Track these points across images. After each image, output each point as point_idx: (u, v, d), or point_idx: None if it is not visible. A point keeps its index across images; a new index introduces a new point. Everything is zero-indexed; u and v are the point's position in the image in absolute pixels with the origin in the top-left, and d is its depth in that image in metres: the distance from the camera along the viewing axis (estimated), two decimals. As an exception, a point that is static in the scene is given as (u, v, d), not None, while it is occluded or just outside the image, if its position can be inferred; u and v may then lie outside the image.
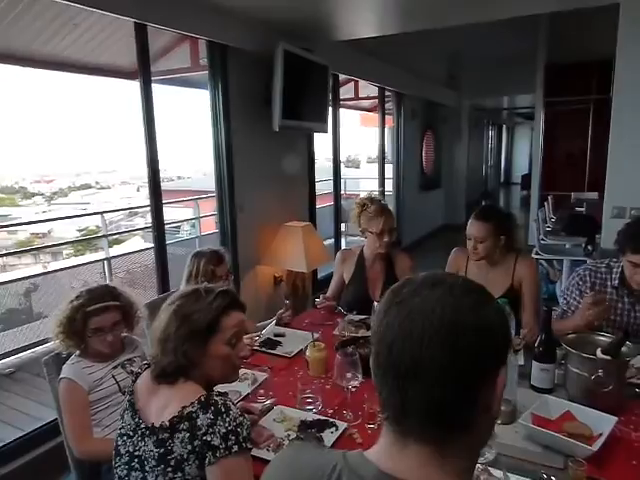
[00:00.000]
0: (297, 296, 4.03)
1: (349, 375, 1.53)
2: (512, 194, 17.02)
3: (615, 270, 2.01)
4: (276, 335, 2.17)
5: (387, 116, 6.98)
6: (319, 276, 4.90)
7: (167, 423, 1.10)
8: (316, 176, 4.87)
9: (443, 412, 0.62)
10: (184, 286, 2.15)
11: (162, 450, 1.09)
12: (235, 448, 1.06)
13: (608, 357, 1.50)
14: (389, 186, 7.19)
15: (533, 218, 5.24)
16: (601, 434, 1.37)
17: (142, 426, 1.16)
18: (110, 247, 5.49)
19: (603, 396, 1.50)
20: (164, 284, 3.10)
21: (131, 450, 1.16)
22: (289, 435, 1.40)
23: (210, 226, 5.85)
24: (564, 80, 7.22)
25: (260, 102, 3.67)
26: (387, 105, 6.96)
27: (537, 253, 4.36)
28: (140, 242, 7.67)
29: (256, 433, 1.37)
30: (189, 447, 1.07)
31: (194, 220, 6.46)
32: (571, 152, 7.68)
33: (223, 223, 3.73)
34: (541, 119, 7.56)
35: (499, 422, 1.48)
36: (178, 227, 7.48)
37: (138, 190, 20.22)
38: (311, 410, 1.55)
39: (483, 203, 2.34)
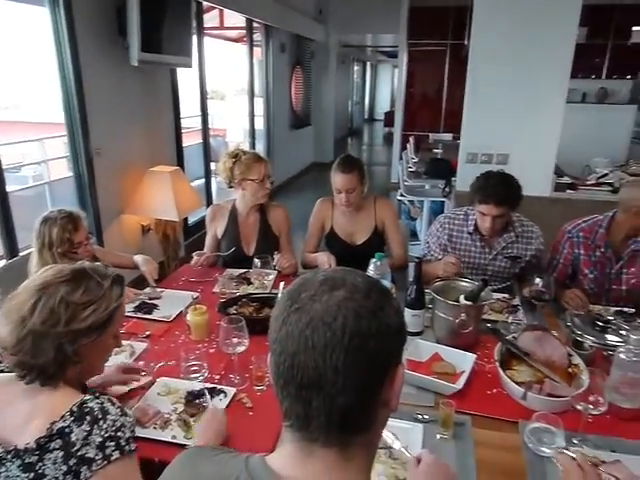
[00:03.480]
0: (168, 245, 3.83)
1: (235, 341, 1.51)
2: (375, 131, 17.76)
3: (471, 217, 2.23)
4: (151, 298, 2.04)
5: (256, 48, 6.67)
6: (190, 222, 4.70)
7: (34, 445, 0.93)
8: (182, 112, 4.53)
9: (348, 417, 0.62)
10: (37, 259, 1.88)
11: (32, 475, 0.93)
12: (116, 455, 0.95)
13: (469, 303, 1.67)
14: (258, 124, 7.01)
15: (398, 160, 5.53)
16: (463, 371, 1.55)
17: None
18: None
19: (464, 336, 1.69)
20: (11, 244, 2.71)
21: None
22: (176, 409, 1.36)
23: (61, 170, 5.19)
24: (426, 23, 7.50)
25: (113, 31, 3.23)
26: (255, 36, 6.63)
27: (402, 194, 4.66)
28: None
29: (140, 412, 1.31)
30: (64, 467, 0.92)
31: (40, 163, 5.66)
32: (429, 93, 8.14)
33: (78, 168, 3.34)
34: (404, 60, 7.83)
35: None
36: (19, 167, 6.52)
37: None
38: (197, 379, 1.51)
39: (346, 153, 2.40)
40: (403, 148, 6.94)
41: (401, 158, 5.66)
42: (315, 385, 0.60)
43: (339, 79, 11.79)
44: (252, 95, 6.61)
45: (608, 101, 7.51)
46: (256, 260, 2.15)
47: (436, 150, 6.09)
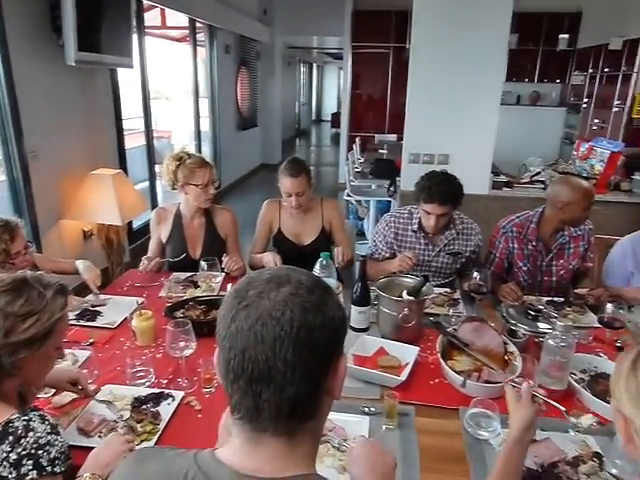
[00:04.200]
0: (112, 251, 3.72)
1: (182, 344, 1.50)
2: (323, 132, 17.90)
3: (415, 216, 2.31)
4: (94, 305, 1.99)
5: (200, 48, 6.59)
6: (135, 226, 4.58)
7: None
8: (124, 113, 4.41)
9: (296, 407, 0.65)
10: None
11: None
12: (32, 475, 0.88)
13: (412, 298, 1.74)
14: (204, 125, 6.92)
15: (344, 161, 5.61)
16: (407, 364, 1.61)
17: None
18: None
19: (408, 330, 1.76)
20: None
21: None
22: (122, 416, 1.34)
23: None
24: (369, 26, 7.63)
25: (46, 29, 3.11)
26: (199, 36, 6.54)
27: (348, 195, 4.74)
28: None
29: (85, 422, 1.28)
30: None
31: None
32: (375, 95, 8.30)
33: (11, 172, 3.18)
34: (349, 62, 7.95)
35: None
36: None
37: None
38: (144, 384, 1.49)
39: (294, 156, 2.45)
40: (350, 149, 7.05)
41: (347, 159, 5.74)
42: (265, 378, 0.63)
43: (286, 80, 11.82)
44: (197, 96, 6.51)
45: (540, 103, 7.95)
46: (203, 263, 2.14)
47: (382, 151, 6.23)
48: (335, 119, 14.82)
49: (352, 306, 1.85)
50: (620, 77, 5.86)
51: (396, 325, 1.76)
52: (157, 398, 1.42)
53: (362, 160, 5.97)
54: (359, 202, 5.23)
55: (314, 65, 18.68)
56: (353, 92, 8.18)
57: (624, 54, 5.73)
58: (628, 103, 5.58)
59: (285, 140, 11.94)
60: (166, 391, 1.46)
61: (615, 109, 5.87)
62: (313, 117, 19.63)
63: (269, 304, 0.65)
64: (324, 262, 1.86)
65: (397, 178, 4.04)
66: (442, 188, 2.14)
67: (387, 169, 4.75)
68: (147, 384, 1.50)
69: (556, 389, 1.50)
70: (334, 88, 19.48)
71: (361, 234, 5.09)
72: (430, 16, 3.44)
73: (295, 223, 2.49)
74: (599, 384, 1.53)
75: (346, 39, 7.81)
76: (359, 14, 7.62)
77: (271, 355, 0.63)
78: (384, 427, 1.37)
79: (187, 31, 6.33)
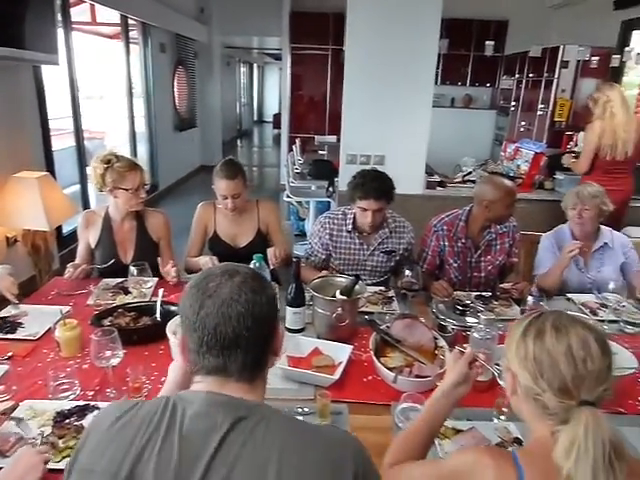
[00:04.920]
0: (39, 258, 3.52)
1: (109, 354, 1.45)
2: (265, 132, 17.82)
3: (349, 216, 2.35)
4: (14, 316, 1.87)
5: (134, 46, 6.37)
6: (65, 231, 4.36)
7: None
8: (52, 113, 4.18)
9: (255, 364, 0.89)
10: None
11: None
12: None
13: (345, 297, 1.76)
14: (140, 126, 6.70)
15: (284, 163, 5.61)
16: (341, 362, 1.63)
17: None
18: None
19: (342, 329, 1.78)
20: None
21: None
22: (43, 432, 1.27)
23: None
24: (307, 27, 7.67)
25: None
26: (133, 34, 6.33)
27: (288, 196, 4.73)
28: None
29: (0, 441, 1.20)
30: None
31: None
32: (315, 96, 8.36)
33: None
34: (288, 63, 7.95)
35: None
36: None
37: None
38: (68, 397, 1.42)
39: (229, 157, 2.41)
40: (290, 150, 7.06)
41: (287, 160, 5.74)
42: (234, 344, 0.86)
43: (225, 80, 11.65)
44: (131, 95, 6.29)
45: (473, 106, 8.30)
46: (132, 268, 2.07)
47: (322, 152, 6.27)
48: (277, 120, 14.76)
49: (287, 307, 1.85)
50: (543, 82, 6.21)
51: (330, 325, 1.78)
52: (82, 411, 1.36)
53: (302, 161, 5.99)
54: (300, 203, 5.24)
55: (255, 65, 18.55)
56: (293, 93, 8.19)
57: (545, 61, 6.08)
58: (550, 107, 5.94)
59: (226, 141, 11.77)
60: (92, 403, 1.40)
61: (539, 112, 6.22)
62: (255, 118, 19.50)
63: (228, 291, 0.87)
64: (257, 264, 1.85)
65: (335, 179, 4.09)
66: (376, 184, 2.19)
67: (326, 170, 4.79)
68: (71, 397, 1.43)
69: (481, 380, 1.57)
70: (275, 89, 19.40)
71: (302, 235, 5.10)
72: (363, 20, 3.50)
73: (231, 225, 2.47)
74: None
75: (285, 40, 7.82)
76: (297, 15, 7.65)
77: (237, 327, 0.85)
78: (318, 427, 1.38)
79: (119, 28, 6.10)
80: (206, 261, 2.24)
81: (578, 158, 3.72)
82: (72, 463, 0.83)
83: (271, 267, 2.08)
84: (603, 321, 2.04)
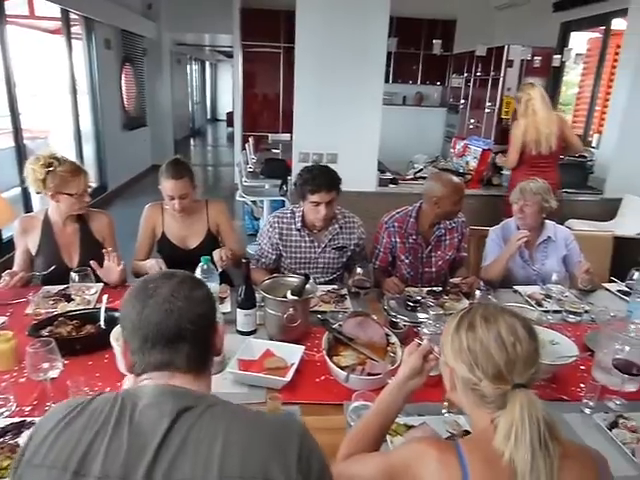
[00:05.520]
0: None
1: (46, 366, 1.37)
2: (219, 131, 17.54)
3: (297, 215, 2.33)
4: (-57, 329, 1.75)
5: (78, 42, 6.11)
6: (5, 236, 4.14)
7: None
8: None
9: (199, 357, 0.93)
10: None
11: None
12: None
13: (296, 297, 1.74)
14: (86, 124, 6.44)
15: (236, 162, 5.53)
16: (293, 364, 1.61)
17: None
18: None
19: (294, 330, 1.76)
20: None
21: None
22: (-28, 454, 1.18)
23: None
24: (259, 25, 7.59)
25: None
26: (76, 29, 6.07)
27: (241, 195, 4.67)
28: None
29: None
30: None
31: None
32: (268, 94, 8.28)
33: None
34: (239, 61, 7.85)
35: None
36: None
37: None
38: (1, 414, 1.34)
39: (177, 156, 2.34)
40: (243, 149, 6.97)
41: (240, 161, 5.66)
42: (179, 337, 0.89)
43: (176, 78, 11.40)
44: (75, 93, 6.04)
45: (424, 104, 8.45)
46: (73, 274, 1.97)
47: (275, 150, 6.22)
48: (230, 118, 14.52)
49: (237, 309, 1.81)
50: (490, 81, 6.40)
51: (282, 326, 1.75)
52: (17, 428, 1.28)
53: (255, 160, 5.92)
54: (254, 202, 5.19)
55: (207, 63, 18.22)
56: (246, 91, 8.09)
57: (492, 60, 6.26)
58: (497, 105, 6.12)
59: (178, 140, 11.52)
60: (29, 419, 1.32)
61: (487, 110, 6.41)
62: (208, 116, 19.16)
63: (168, 289, 0.91)
64: (205, 266, 1.80)
65: (289, 177, 4.06)
66: (325, 176, 2.20)
67: (279, 168, 4.76)
68: (6, 414, 1.35)
69: (432, 374, 1.58)
70: (229, 87, 19.10)
71: (257, 234, 5.04)
72: (312, 18, 3.49)
73: (179, 227, 2.40)
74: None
75: (236, 37, 7.71)
76: (248, 12, 7.55)
77: (180, 322, 0.89)
78: (269, 430, 1.35)
79: (60, 23, 5.83)
80: (152, 265, 2.16)
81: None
82: (18, 460, 0.82)
83: (219, 269, 2.04)
84: (547, 311, 2.11)
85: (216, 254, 2.11)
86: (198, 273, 1.80)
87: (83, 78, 6.31)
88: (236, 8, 7.47)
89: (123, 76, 7.50)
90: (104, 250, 2.11)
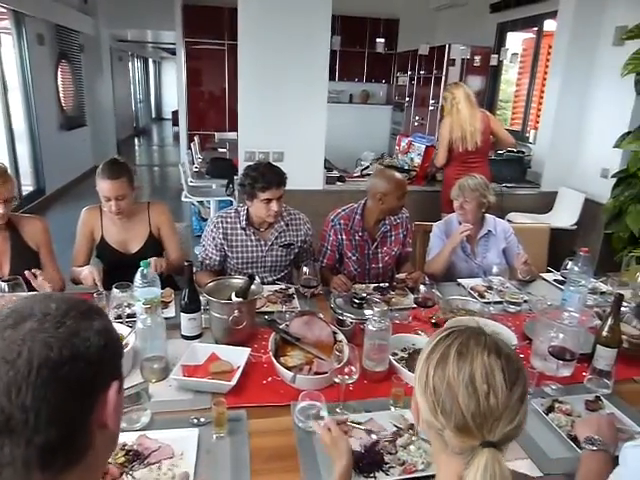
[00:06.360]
0: None
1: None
2: (165, 130, 17.10)
3: (242, 214, 2.29)
4: None
5: (7, 36, 5.78)
6: None
7: None
8: None
9: (52, 455, 0.58)
10: None
11: None
12: None
13: (240, 299, 1.71)
14: (18, 124, 6.10)
15: (181, 162, 5.40)
16: (239, 367, 1.58)
17: None
18: None
19: (240, 332, 1.73)
20: None
21: None
22: None
23: None
24: (202, 21, 7.44)
25: None
26: (5, 23, 5.73)
27: (186, 196, 4.56)
28: None
29: None
30: None
31: None
32: (213, 92, 8.14)
33: None
34: (183, 58, 7.67)
35: (153, 381, 1.53)
36: None
37: None
38: None
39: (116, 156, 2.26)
40: (189, 148, 6.82)
41: (184, 161, 5.53)
42: (4, 429, 0.55)
43: (118, 76, 11.02)
44: (5, 91, 5.71)
45: (370, 102, 8.56)
46: (2, 284, 1.85)
47: (222, 149, 6.12)
48: (176, 117, 14.20)
49: (181, 313, 1.76)
50: (433, 79, 6.56)
51: (227, 328, 1.72)
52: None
53: (201, 159, 5.81)
54: (201, 203, 5.08)
55: (150, 60, 17.70)
56: (191, 89, 7.93)
57: (434, 59, 6.42)
58: (440, 102, 6.27)
59: (122, 140, 11.14)
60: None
61: (431, 108, 6.57)
62: (153, 115, 18.64)
63: (3, 345, 0.57)
64: (145, 271, 1.74)
65: (235, 177, 4.00)
66: (273, 172, 2.19)
67: (225, 168, 4.68)
68: None
69: (379, 370, 1.61)
70: (174, 85, 18.69)
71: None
72: (254, 15, 3.45)
73: (119, 230, 2.30)
74: (415, 359, 1.66)
75: (179, 34, 7.53)
76: (190, 8, 7.39)
77: (6, 404, 0.55)
78: (215, 436, 1.32)
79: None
80: (86, 275, 2.04)
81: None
82: None
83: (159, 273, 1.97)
84: (489, 303, 2.18)
85: (152, 263, 2.03)
86: (138, 278, 1.73)
87: (14, 75, 5.96)
88: (178, 4, 7.29)
89: (59, 73, 7.16)
90: (27, 273, 1.97)
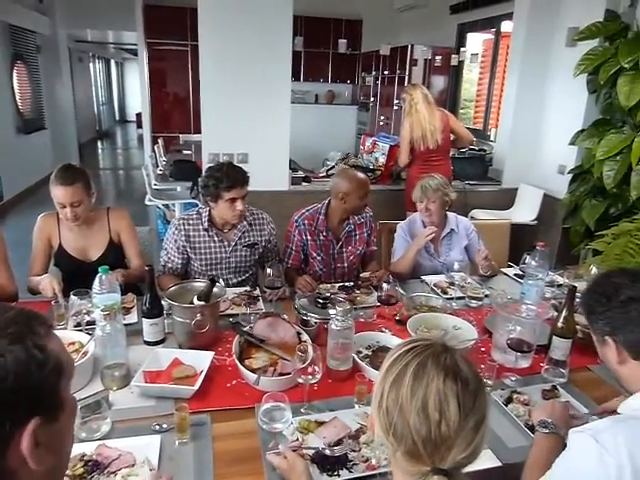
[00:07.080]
0: None
1: None
2: (129, 133, 16.77)
3: (204, 215, 2.28)
4: None
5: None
6: None
7: None
8: None
9: None
10: None
11: None
12: None
13: (202, 302, 1.70)
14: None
15: (143, 165, 5.31)
16: (202, 371, 1.57)
17: None
18: None
19: (203, 336, 1.71)
20: None
21: None
22: None
23: None
24: (164, 22, 7.30)
25: None
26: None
27: (150, 199, 4.48)
28: None
29: None
30: None
31: None
32: (177, 94, 8.02)
33: None
34: (144, 59, 7.54)
35: (114, 389, 1.51)
36: None
37: None
38: None
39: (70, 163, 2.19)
40: (152, 151, 6.70)
41: (147, 163, 5.44)
42: None
43: (78, 77, 10.74)
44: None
45: (336, 102, 8.60)
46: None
47: (187, 152, 6.04)
48: (140, 119, 13.97)
49: (143, 319, 1.74)
50: (396, 79, 6.64)
51: (190, 332, 1.70)
52: None
53: (166, 162, 5.72)
54: (166, 206, 5.00)
55: (112, 62, 17.31)
56: (154, 90, 7.80)
57: (397, 59, 6.50)
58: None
59: (84, 143, 10.87)
60: None
61: (395, 107, 6.64)
62: (117, 117, 18.25)
63: None
64: (103, 277, 1.70)
65: (200, 179, 3.95)
66: (236, 171, 2.19)
67: (189, 170, 4.62)
68: None
69: (343, 369, 1.62)
70: (138, 86, 18.33)
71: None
72: (215, 16, 3.43)
73: (77, 237, 2.24)
74: (378, 357, 1.69)
75: (140, 35, 7.39)
76: (152, 9, 7.25)
77: None
78: (177, 442, 1.31)
79: None
80: (45, 285, 1.97)
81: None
82: None
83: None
84: (452, 299, 2.23)
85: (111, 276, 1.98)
86: (96, 285, 1.69)
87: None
88: (139, 4, 7.15)
89: (15, 75, 6.93)
90: None
